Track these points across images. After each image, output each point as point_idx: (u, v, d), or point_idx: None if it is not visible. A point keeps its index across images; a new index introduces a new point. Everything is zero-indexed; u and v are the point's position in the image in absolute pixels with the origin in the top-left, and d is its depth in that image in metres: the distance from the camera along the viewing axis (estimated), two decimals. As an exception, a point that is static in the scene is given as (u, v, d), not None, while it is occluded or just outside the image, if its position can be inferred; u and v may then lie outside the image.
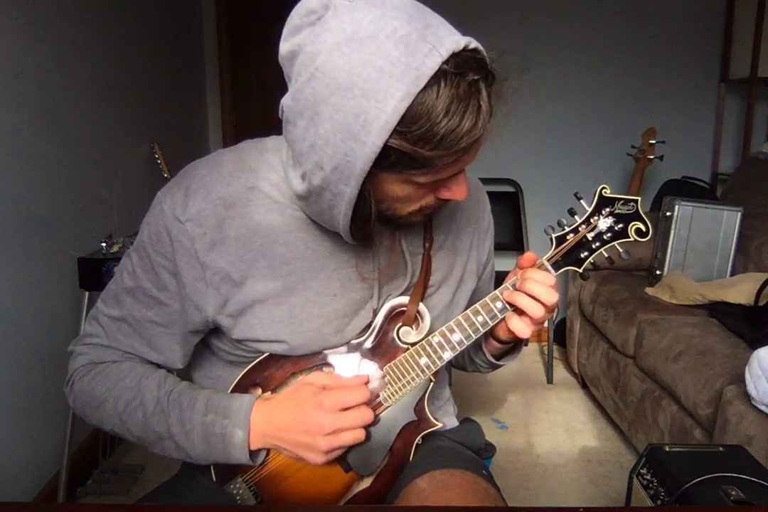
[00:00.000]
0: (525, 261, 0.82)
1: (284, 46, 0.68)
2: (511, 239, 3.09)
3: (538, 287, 0.78)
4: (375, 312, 0.85)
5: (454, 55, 0.61)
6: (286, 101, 0.68)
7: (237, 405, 0.79)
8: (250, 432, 0.77)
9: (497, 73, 0.65)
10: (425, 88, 0.60)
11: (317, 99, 0.63)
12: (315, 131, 0.64)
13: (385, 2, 0.63)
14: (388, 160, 0.63)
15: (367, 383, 0.81)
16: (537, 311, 0.78)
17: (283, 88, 0.71)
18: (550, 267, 0.82)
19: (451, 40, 0.62)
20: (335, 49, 0.61)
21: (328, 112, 0.62)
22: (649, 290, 2.34)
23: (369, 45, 0.60)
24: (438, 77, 0.60)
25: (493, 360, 0.94)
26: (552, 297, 0.78)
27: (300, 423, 0.76)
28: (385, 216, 0.73)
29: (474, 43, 0.64)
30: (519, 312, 0.81)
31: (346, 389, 0.79)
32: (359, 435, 0.78)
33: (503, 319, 0.83)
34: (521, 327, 0.80)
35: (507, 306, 0.82)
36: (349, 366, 0.83)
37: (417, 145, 0.62)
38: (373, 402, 0.83)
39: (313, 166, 0.67)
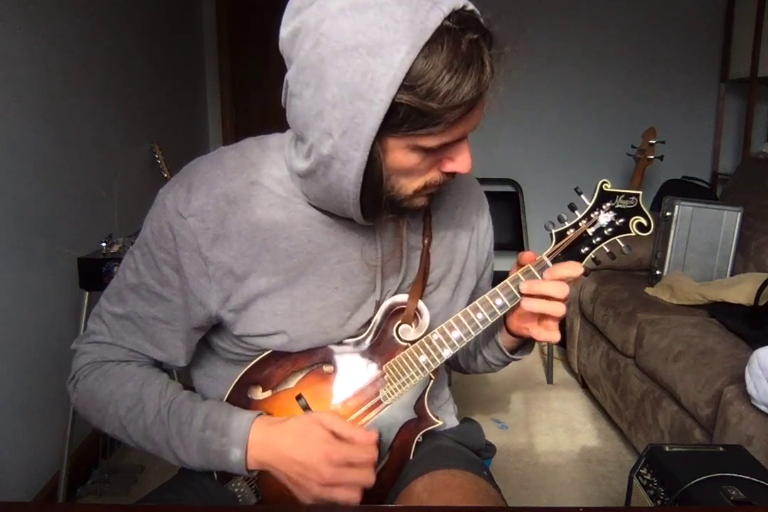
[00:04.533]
0: (525, 260, 0.82)
1: (284, 30, 0.68)
2: (511, 239, 3.08)
3: (546, 285, 0.78)
4: (378, 305, 0.85)
5: (455, 13, 0.63)
6: (290, 75, 0.69)
7: (236, 425, 0.78)
8: (247, 453, 0.77)
9: (495, 36, 0.67)
10: (429, 43, 0.62)
11: (323, 64, 0.64)
12: (322, 97, 0.65)
13: None
14: (396, 117, 0.64)
15: (377, 442, 0.80)
16: (559, 309, 0.78)
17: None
18: (550, 264, 0.82)
19: None
20: (339, 13, 0.63)
21: (335, 74, 0.63)
22: (649, 290, 2.34)
23: (372, 6, 0.62)
24: (441, 32, 0.62)
25: (509, 355, 0.93)
26: (563, 290, 0.78)
27: (301, 463, 0.75)
28: (390, 197, 0.73)
29: (471, 5, 0.66)
30: (539, 318, 0.81)
31: (356, 447, 0.77)
32: (354, 496, 0.76)
33: (511, 315, 0.84)
34: (551, 336, 0.80)
35: (507, 303, 0.82)
36: (349, 364, 0.83)
37: (425, 100, 0.63)
38: (372, 401, 0.83)
39: (321, 134, 0.67)
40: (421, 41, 0.61)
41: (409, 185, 0.74)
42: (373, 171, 0.68)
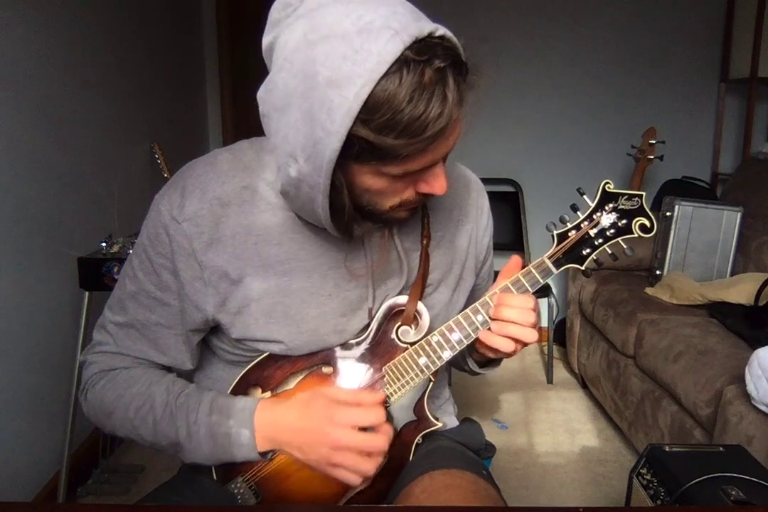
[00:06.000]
0: (512, 265, 0.81)
1: (264, 40, 0.69)
2: (511, 239, 3.08)
3: (512, 312, 0.77)
4: (371, 312, 0.84)
5: (419, 42, 0.60)
6: (260, 94, 0.69)
7: (241, 406, 0.79)
8: (256, 433, 0.77)
9: (470, 62, 0.64)
10: (387, 74, 0.59)
11: (287, 89, 0.63)
12: (287, 122, 0.65)
13: None
14: (353, 149, 0.63)
15: (384, 402, 0.80)
16: (527, 335, 0.77)
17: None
18: (551, 265, 0.81)
19: (415, 26, 0.61)
20: (302, 38, 0.62)
21: (297, 101, 0.63)
22: (649, 290, 2.34)
23: (335, 32, 0.60)
24: (400, 63, 0.59)
25: (476, 369, 0.95)
26: (529, 317, 0.77)
27: (304, 429, 0.76)
28: (368, 211, 0.73)
29: (441, 30, 0.63)
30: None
31: (361, 409, 0.76)
32: (366, 467, 0.74)
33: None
34: (503, 343, 0.78)
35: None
36: (348, 366, 0.83)
37: (381, 134, 0.61)
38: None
39: (288, 158, 0.67)
40: (377, 74, 0.58)
41: (384, 203, 0.73)
42: (337, 195, 0.68)
